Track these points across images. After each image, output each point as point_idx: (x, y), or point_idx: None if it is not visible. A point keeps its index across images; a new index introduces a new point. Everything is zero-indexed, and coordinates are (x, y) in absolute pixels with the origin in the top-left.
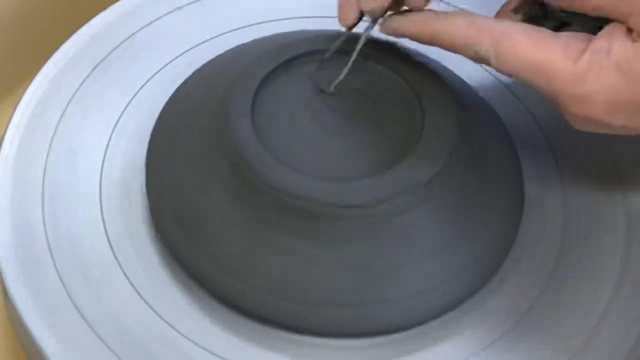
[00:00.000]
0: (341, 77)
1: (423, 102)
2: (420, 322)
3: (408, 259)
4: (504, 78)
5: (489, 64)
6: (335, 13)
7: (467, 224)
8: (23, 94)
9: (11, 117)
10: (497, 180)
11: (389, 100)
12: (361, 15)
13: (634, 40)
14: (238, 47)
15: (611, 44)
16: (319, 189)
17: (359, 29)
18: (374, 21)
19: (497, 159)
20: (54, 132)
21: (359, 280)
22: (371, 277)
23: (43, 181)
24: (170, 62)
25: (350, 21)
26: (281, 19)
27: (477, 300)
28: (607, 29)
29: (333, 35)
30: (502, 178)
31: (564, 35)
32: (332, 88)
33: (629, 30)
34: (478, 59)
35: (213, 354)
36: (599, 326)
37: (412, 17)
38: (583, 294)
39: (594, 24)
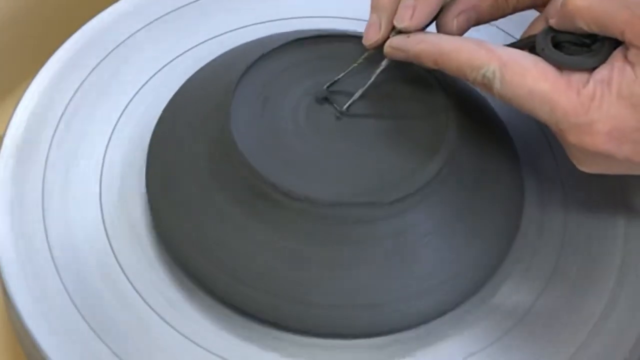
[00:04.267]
0: (355, 97)
1: (418, 102)
2: (420, 323)
3: (408, 260)
4: None
5: (492, 90)
6: (335, 13)
7: (467, 224)
8: (23, 93)
9: (11, 116)
10: (497, 181)
11: (384, 102)
12: (387, 36)
13: (631, 64)
14: (236, 48)
15: (611, 73)
16: (318, 191)
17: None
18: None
19: (497, 161)
20: (54, 132)
21: (358, 281)
22: (370, 277)
23: (43, 181)
24: (170, 62)
25: (374, 43)
26: (281, 19)
27: (477, 300)
28: (609, 58)
29: (337, 35)
30: (503, 179)
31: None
32: (344, 108)
33: (626, 56)
34: (482, 83)
35: (212, 354)
36: (598, 326)
37: (420, 36)
38: (583, 294)
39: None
